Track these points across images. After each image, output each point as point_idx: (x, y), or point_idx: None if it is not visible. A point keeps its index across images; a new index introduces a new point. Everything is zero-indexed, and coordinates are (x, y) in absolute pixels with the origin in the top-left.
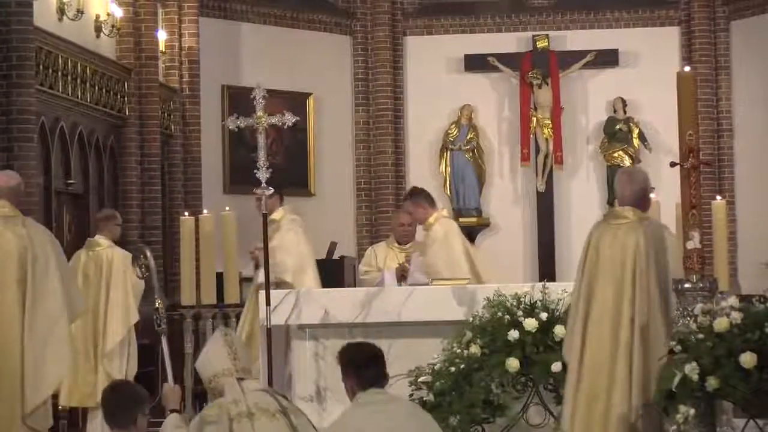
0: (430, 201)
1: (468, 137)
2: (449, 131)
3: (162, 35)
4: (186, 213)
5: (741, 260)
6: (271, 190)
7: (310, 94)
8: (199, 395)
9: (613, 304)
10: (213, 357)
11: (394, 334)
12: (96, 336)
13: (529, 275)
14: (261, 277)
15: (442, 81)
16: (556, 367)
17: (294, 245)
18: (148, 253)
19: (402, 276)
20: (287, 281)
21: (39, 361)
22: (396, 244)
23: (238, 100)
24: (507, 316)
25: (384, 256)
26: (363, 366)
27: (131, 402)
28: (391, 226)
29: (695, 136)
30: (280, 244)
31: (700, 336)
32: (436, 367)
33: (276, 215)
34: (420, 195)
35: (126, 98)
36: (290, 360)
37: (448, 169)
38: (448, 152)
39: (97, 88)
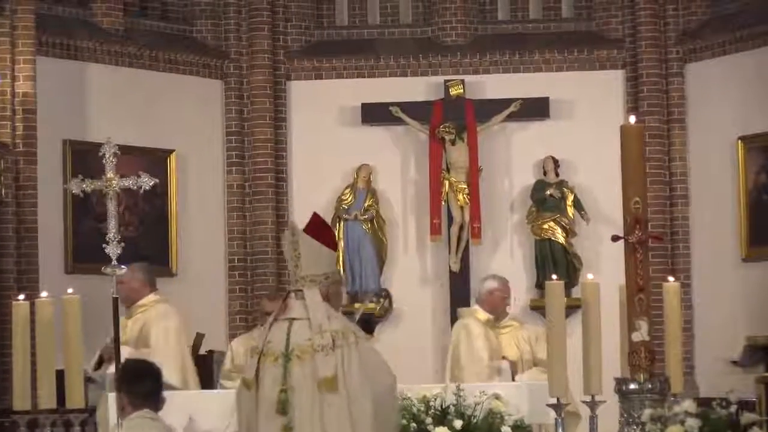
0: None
1: (366, 204)
2: (343, 197)
3: None
4: (20, 296)
5: (698, 355)
6: (124, 269)
7: (172, 151)
8: None
9: None
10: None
11: None
12: None
13: (440, 374)
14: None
15: (334, 135)
16: None
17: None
18: None
19: None
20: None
21: None
22: None
23: (83, 158)
24: (413, 424)
25: (244, 351)
26: (137, 380)
27: None
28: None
29: (643, 204)
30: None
31: None
32: None
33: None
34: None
35: None
36: None
37: (342, 243)
38: (342, 222)
39: None
